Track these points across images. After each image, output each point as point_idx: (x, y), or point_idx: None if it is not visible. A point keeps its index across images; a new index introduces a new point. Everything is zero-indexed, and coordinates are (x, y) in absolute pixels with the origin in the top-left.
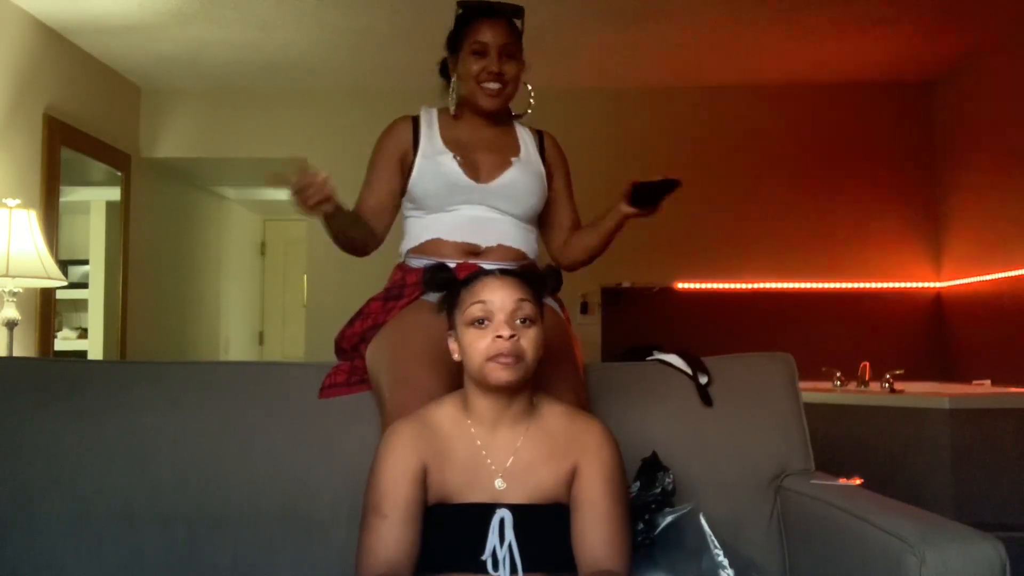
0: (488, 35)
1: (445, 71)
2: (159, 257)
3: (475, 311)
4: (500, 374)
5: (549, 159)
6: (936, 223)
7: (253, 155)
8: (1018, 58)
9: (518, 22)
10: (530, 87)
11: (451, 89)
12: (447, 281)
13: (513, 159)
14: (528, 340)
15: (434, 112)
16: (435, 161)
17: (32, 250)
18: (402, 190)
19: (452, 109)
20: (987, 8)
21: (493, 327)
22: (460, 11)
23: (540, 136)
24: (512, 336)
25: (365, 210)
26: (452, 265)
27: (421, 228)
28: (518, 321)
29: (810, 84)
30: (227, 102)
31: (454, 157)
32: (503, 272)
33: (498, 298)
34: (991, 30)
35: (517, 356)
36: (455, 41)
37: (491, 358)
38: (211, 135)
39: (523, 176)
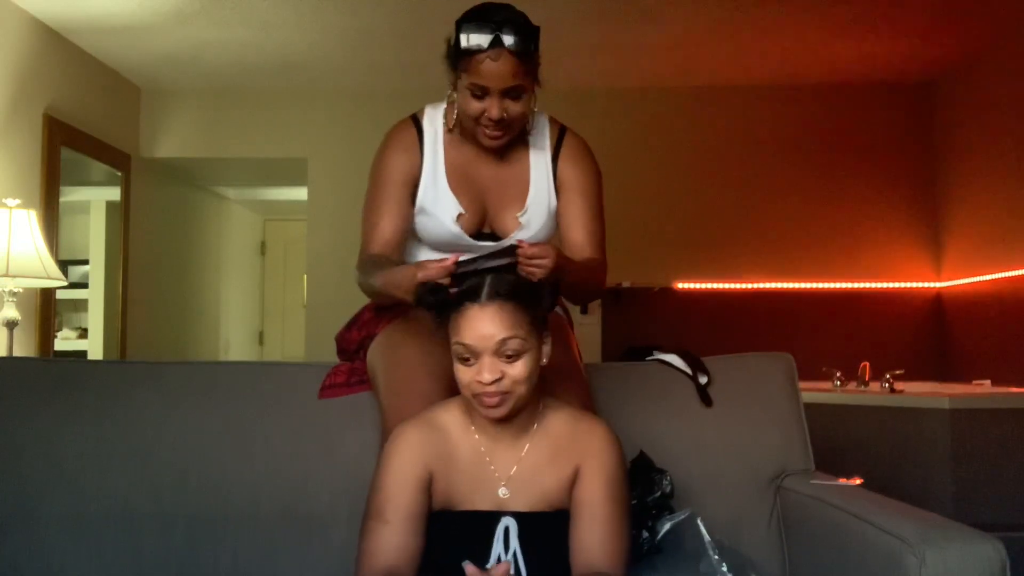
0: (489, 77)
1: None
2: (159, 257)
3: (458, 351)
4: (486, 412)
5: (562, 177)
6: (936, 223)
7: (253, 155)
8: (1018, 58)
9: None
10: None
11: (450, 105)
12: (442, 303)
13: (520, 216)
14: (517, 371)
15: (439, 119)
16: (437, 212)
17: (32, 250)
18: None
19: (449, 125)
20: (987, 8)
21: (476, 367)
22: (457, 37)
23: (560, 141)
24: (496, 379)
25: (384, 243)
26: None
27: (421, 252)
28: (504, 358)
29: (810, 84)
30: (227, 102)
31: (458, 216)
32: (492, 295)
33: (480, 340)
34: (991, 30)
35: (503, 395)
36: (454, 61)
37: (476, 395)
38: (211, 135)
39: (531, 233)
